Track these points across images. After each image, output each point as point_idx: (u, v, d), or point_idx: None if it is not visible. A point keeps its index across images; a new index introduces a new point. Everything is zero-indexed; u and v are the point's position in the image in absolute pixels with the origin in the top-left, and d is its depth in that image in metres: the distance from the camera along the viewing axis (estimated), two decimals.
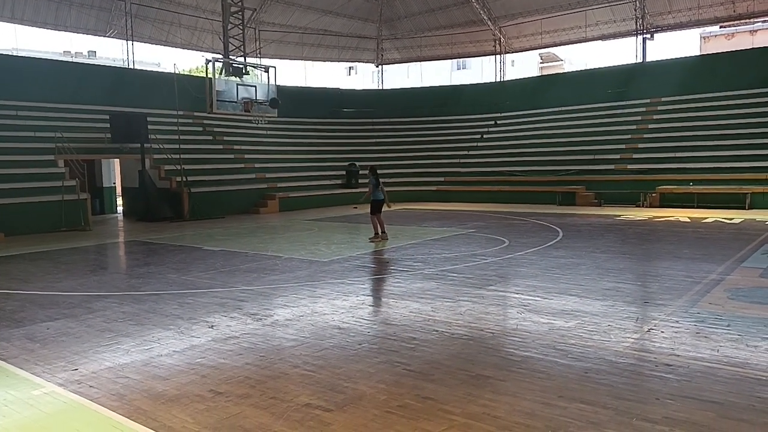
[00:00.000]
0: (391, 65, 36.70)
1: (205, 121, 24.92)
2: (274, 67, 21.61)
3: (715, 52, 29.48)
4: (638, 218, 16.93)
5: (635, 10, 26.87)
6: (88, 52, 58.16)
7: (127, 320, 6.76)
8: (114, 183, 24.48)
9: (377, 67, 35.52)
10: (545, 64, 54.34)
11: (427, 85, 37.33)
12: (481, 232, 14.41)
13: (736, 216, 16.67)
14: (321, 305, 7.34)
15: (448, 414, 4.08)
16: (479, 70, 47.97)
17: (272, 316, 6.84)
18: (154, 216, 19.17)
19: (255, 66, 21.73)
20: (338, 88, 33.67)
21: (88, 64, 28.38)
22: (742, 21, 31.57)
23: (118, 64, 29.26)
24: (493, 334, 5.98)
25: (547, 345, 5.54)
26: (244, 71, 20.67)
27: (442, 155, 27.96)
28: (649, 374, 4.76)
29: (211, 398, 4.44)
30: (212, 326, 6.43)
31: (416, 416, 4.05)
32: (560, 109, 27.44)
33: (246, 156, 24.49)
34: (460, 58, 39.02)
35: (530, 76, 41.18)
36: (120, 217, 21.97)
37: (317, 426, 3.93)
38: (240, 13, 22.28)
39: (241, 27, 22.37)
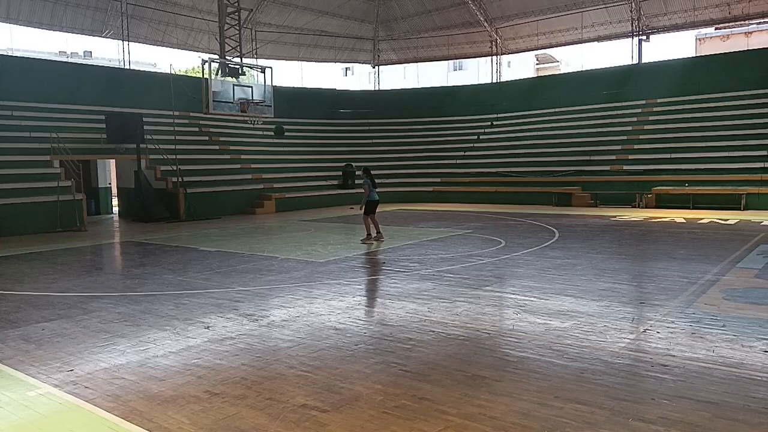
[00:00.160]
0: (387, 66, 36.68)
1: (202, 122, 24.88)
2: (271, 68, 21.62)
3: (710, 53, 29.62)
4: (634, 219, 16.98)
5: (631, 11, 26.94)
6: (84, 52, 58.05)
7: (122, 321, 6.74)
8: (109, 183, 24.40)
9: (374, 67, 35.51)
10: (541, 66, 54.47)
11: (424, 86, 37.39)
12: (477, 233, 14.43)
13: (732, 217, 16.73)
14: (317, 306, 7.34)
15: (444, 414, 4.08)
16: (475, 71, 48.05)
17: (268, 317, 6.83)
18: (150, 217, 19.13)
19: (251, 66, 21.73)
20: (334, 89, 33.70)
21: (84, 64, 28.31)
22: (737, 23, 31.72)
23: (114, 64, 29.18)
24: (490, 335, 5.98)
25: (543, 345, 5.55)
26: (240, 72, 20.67)
27: (439, 156, 27.99)
28: (645, 374, 4.77)
29: (207, 399, 4.43)
30: (208, 327, 6.42)
31: (413, 417, 4.05)
32: (556, 110, 27.50)
33: (242, 157, 24.45)
34: (456, 59, 39.06)
35: (526, 77, 41.24)
36: (115, 217, 21.90)
37: (313, 427, 3.92)
38: (236, 13, 22.27)
39: (237, 27, 22.36)
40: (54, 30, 25.53)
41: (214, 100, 19.61)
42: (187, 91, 22.20)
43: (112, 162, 23.58)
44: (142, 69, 28.73)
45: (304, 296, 7.88)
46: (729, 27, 39.19)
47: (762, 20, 30.30)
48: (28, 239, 14.87)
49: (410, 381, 4.72)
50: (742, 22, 32.51)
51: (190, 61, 66.38)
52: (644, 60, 27.34)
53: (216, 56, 21.56)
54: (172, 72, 22.96)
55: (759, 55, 24.44)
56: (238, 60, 21.74)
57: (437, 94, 32.20)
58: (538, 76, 45.99)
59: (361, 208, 13.20)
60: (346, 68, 60.06)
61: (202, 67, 19.93)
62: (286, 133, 27.79)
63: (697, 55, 39.99)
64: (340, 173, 25.60)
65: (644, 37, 27.35)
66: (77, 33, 26.23)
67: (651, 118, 24.59)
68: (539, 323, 6.31)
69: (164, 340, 5.97)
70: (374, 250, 12.13)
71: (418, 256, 11.12)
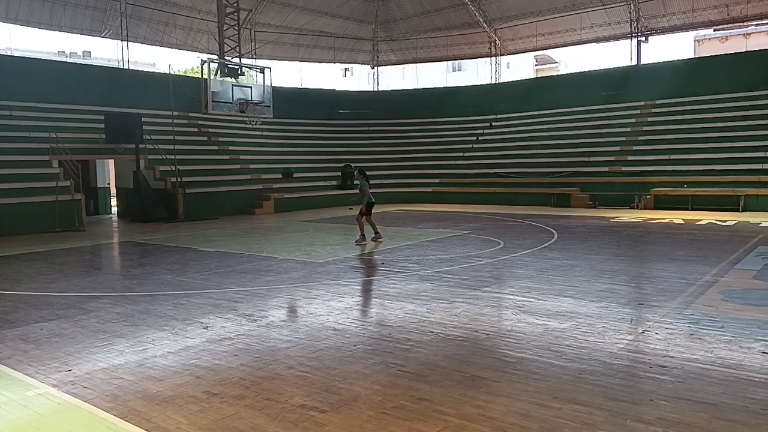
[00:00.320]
0: (386, 67, 36.69)
1: (201, 122, 24.87)
2: (270, 68, 21.63)
3: (709, 55, 29.67)
4: (632, 220, 16.99)
5: (630, 12, 26.97)
6: (83, 52, 58.02)
7: (121, 321, 6.74)
8: (108, 183, 24.38)
9: (373, 68, 35.52)
10: (540, 67, 54.50)
11: (423, 87, 37.38)
12: (476, 234, 14.43)
13: (730, 218, 16.74)
14: (316, 306, 7.34)
15: (443, 415, 4.08)
16: (474, 72, 48.06)
17: (267, 318, 6.83)
18: (149, 217, 19.12)
19: (250, 67, 21.74)
20: (334, 90, 33.69)
21: (83, 64, 28.30)
22: (735, 24, 31.73)
23: (113, 64, 29.18)
24: (488, 336, 5.99)
25: (541, 346, 5.55)
26: (239, 72, 20.67)
27: (438, 157, 28.00)
28: (644, 375, 4.77)
29: (205, 399, 4.43)
30: (207, 327, 6.42)
31: (411, 417, 4.05)
32: (555, 111, 27.52)
33: (241, 157, 24.45)
34: (455, 60, 39.09)
35: (525, 78, 41.26)
36: (114, 217, 21.88)
37: (312, 427, 3.92)
38: (235, 13, 22.27)
39: (236, 28, 22.37)
40: (53, 30, 25.52)
41: (213, 101, 19.62)
42: (186, 92, 22.20)
43: (111, 162, 23.56)
44: (141, 69, 28.72)
45: (302, 296, 7.88)
46: (727, 28, 39.22)
47: (760, 22, 30.32)
48: (27, 239, 14.85)
49: (409, 381, 4.72)
50: (741, 24, 32.53)
51: (189, 62, 66.42)
52: (643, 61, 27.38)
53: (215, 56, 21.55)
54: (171, 72, 22.99)
55: (757, 56, 24.47)
56: (237, 60, 21.74)
57: (436, 95, 32.21)
58: (537, 77, 46.05)
59: (362, 211, 13.07)
60: (345, 69, 60.06)
61: (201, 68, 19.93)
62: (287, 135, 27.84)
63: (696, 56, 40.03)
64: (339, 174, 25.60)
65: (643, 39, 27.39)
66: (76, 33, 26.21)
67: (650, 119, 24.62)
68: (538, 324, 6.31)
69: (163, 340, 5.97)
70: (372, 250, 12.13)
71: (416, 256, 11.12)
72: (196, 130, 24.70)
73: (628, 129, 24.59)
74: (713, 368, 4.87)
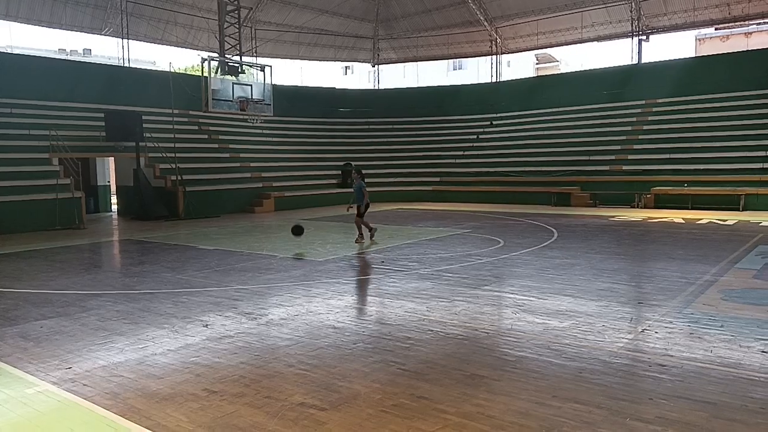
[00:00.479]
0: (387, 65, 36.67)
1: (201, 120, 24.87)
2: (270, 66, 21.63)
3: (710, 54, 29.62)
4: (633, 219, 16.99)
5: (631, 11, 26.95)
6: (84, 50, 58.00)
7: (121, 319, 6.74)
8: (108, 181, 24.38)
9: (373, 66, 35.50)
10: (541, 65, 54.47)
11: (423, 86, 37.40)
12: (476, 233, 14.43)
13: (730, 217, 16.74)
14: (316, 304, 7.34)
15: (442, 413, 4.08)
16: (475, 71, 48.01)
17: (267, 316, 6.83)
18: (149, 215, 19.12)
19: (251, 65, 21.73)
20: (334, 88, 33.65)
21: (84, 62, 28.22)
22: (737, 23, 31.71)
23: (114, 62, 29.15)
24: (488, 334, 5.99)
25: (541, 345, 5.55)
26: (239, 70, 20.66)
27: (438, 155, 27.99)
28: (643, 374, 4.78)
29: (205, 397, 4.43)
30: (207, 325, 6.42)
31: (411, 415, 4.06)
32: (556, 109, 27.51)
33: (241, 155, 24.45)
34: (456, 58, 39.04)
35: (526, 76, 41.27)
36: (114, 215, 21.89)
37: (312, 425, 3.93)
38: (236, 11, 22.26)
39: (237, 26, 22.35)
40: (53, 27, 25.53)
41: (213, 99, 19.62)
42: (186, 90, 22.20)
43: (112, 160, 23.55)
44: (141, 67, 28.71)
45: (302, 295, 7.88)
46: (729, 27, 39.20)
47: (762, 21, 30.29)
48: (27, 237, 14.86)
49: (409, 380, 4.72)
50: (742, 23, 32.52)
51: (189, 60, 66.45)
52: (644, 60, 27.36)
53: (215, 54, 21.54)
54: (172, 70, 22.97)
55: (759, 55, 24.45)
56: (237, 58, 21.73)
57: (437, 94, 32.19)
58: (537, 76, 46.00)
59: (362, 213, 12.93)
60: (346, 67, 60.04)
61: (202, 66, 19.93)
62: (287, 133, 27.83)
63: (697, 55, 40.01)
64: (340, 172, 25.61)
65: (644, 37, 27.37)
66: (77, 30, 26.20)
67: (650, 118, 24.60)
68: (538, 323, 6.31)
69: (163, 338, 5.97)
70: (372, 249, 12.12)
71: (417, 255, 11.12)
72: (196, 128, 24.70)
73: (629, 128, 24.58)
74: (713, 367, 4.88)
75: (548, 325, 6.23)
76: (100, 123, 19.79)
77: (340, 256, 11.25)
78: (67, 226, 16.59)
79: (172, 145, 20.62)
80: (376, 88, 34.87)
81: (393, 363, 5.12)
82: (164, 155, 20.68)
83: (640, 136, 23.77)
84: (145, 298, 7.80)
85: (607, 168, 22.70)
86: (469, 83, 34.74)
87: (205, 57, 19.98)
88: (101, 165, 23.79)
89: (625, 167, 22.36)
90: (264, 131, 26.34)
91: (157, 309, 7.18)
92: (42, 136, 18.55)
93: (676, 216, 17.35)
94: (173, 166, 20.11)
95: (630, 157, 22.83)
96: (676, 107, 24.32)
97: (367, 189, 13.08)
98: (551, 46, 31.94)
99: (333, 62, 36.39)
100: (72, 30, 26.10)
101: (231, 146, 24.77)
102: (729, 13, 25.55)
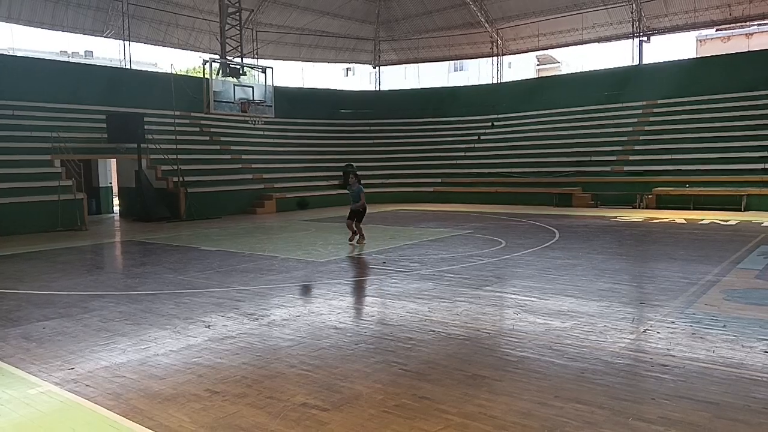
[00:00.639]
0: (388, 66, 36.71)
1: (202, 122, 24.90)
2: (271, 68, 21.64)
3: (710, 54, 29.61)
4: (634, 220, 16.97)
5: (632, 12, 26.96)
6: (85, 52, 58.12)
7: (123, 320, 6.75)
8: (110, 183, 24.42)
9: (374, 68, 35.54)
10: (542, 66, 54.49)
11: (424, 87, 37.41)
12: (478, 233, 14.43)
13: (732, 218, 16.73)
14: (317, 305, 7.34)
15: (444, 414, 4.08)
16: (476, 72, 48.02)
17: (269, 316, 6.83)
18: (151, 216, 19.14)
19: (252, 67, 21.74)
20: (335, 89, 33.73)
21: (85, 64, 28.35)
22: (737, 24, 31.71)
23: (115, 64, 29.20)
24: (490, 335, 5.99)
25: (543, 345, 5.55)
26: (241, 72, 20.68)
27: (439, 156, 28.00)
28: (645, 374, 4.77)
29: (207, 397, 4.44)
30: (209, 326, 6.43)
31: (413, 416, 4.06)
32: (557, 110, 27.51)
33: (243, 156, 24.47)
34: (457, 59, 39.09)
35: (527, 78, 41.25)
36: (116, 217, 21.92)
37: (314, 425, 3.93)
38: (237, 13, 22.29)
39: (238, 28, 22.38)
40: (55, 30, 25.58)
41: (215, 100, 19.63)
42: (188, 91, 22.22)
43: (113, 161, 23.61)
44: (143, 69, 28.75)
45: (304, 295, 7.88)
46: (730, 28, 39.20)
47: (763, 21, 30.29)
48: (29, 238, 14.88)
49: (410, 380, 4.72)
50: (743, 24, 32.49)
51: (191, 61, 66.47)
52: (645, 61, 27.37)
53: (217, 56, 21.58)
54: (173, 72, 22.98)
55: (759, 56, 24.45)
56: (239, 60, 21.76)
57: (438, 95, 32.21)
58: (538, 77, 46.03)
59: (354, 216, 12.63)
60: (347, 69, 60.08)
61: (203, 67, 19.94)
62: (288, 134, 27.83)
63: (698, 56, 39.99)
64: (341, 173, 25.58)
65: (645, 38, 27.39)
66: (78, 33, 26.28)
67: (651, 119, 24.60)
68: (539, 323, 6.31)
69: (165, 338, 5.98)
70: (374, 249, 12.12)
71: (418, 256, 11.12)
72: (197, 129, 24.73)
73: (630, 129, 24.58)
74: (715, 367, 4.87)
75: (550, 325, 6.22)
76: (102, 125, 19.82)
77: (342, 256, 11.26)
78: (69, 227, 16.61)
79: (173, 146, 20.63)
80: (377, 89, 34.91)
81: (395, 363, 5.12)
82: (166, 157, 20.70)
83: (642, 137, 23.76)
84: (147, 299, 7.81)
85: (608, 169, 22.70)
86: (470, 84, 34.83)
87: (207, 59, 20.01)
88: (103, 166, 23.83)
89: (626, 168, 22.36)
90: (265, 133, 26.37)
91: (159, 310, 7.19)
92: (44, 138, 18.59)
93: (678, 216, 17.33)
94: (175, 167, 20.13)
95: (631, 157, 22.82)
96: (677, 108, 24.31)
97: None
98: (552, 47, 31.96)
99: (334, 64, 36.46)
100: (73, 32, 26.17)
101: (232, 148, 24.80)
102: (730, 14, 25.55)
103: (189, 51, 29.34)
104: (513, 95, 30.00)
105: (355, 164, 25.38)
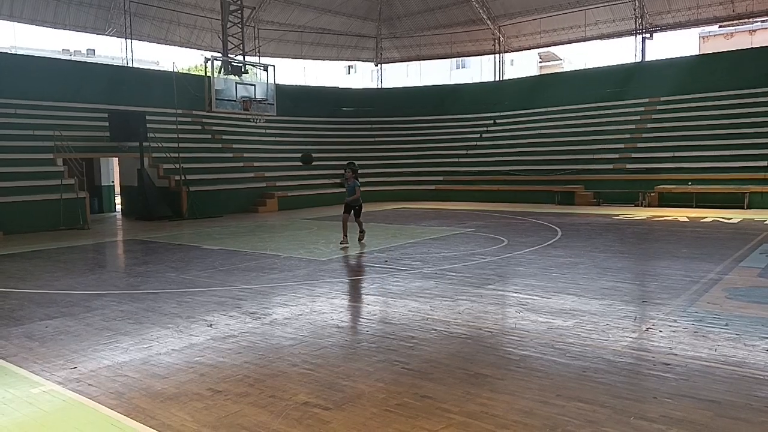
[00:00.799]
0: (390, 64, 36.69)
1: (204, 120, 24.91)
2: (273, 66, 21.64)
3: (714, 51, 29.49)
4: (637, 218, 16.95)
5: (634, 9, 26.89)
6: (87, 50, 58.17)
7: (125, 319, 6.76)
8: (113, 182, 24.47)
9: (376, 66, 35.51)
10: (544, 64, 54.36)
11: (426, 84, 37.34)
12: (479, 232, 14.42)
13: (735, 215, 16.70)
14: (320, 304, 7.35)
15: (446, 412, 4.08)
16: (478, 70, 47.99)
17: (271, 315, 6.84)
18: (153, 215, 19.17)
19: (254, 65, 21.75)
20: (337, 87, 33.68)
21: (87, 62, 28.31)
22: (741, 21, 31.57)
23: (117, 62, 29.24)
24: (492, 333, 5.99)
25: (545, 344, 5.55)
26: (243, 70, 20.69)
27: (441, 154, 27.97)
28: (647, 373, 4.77)
29: (209, 396, 4.45)
30: (211, 325, 6.44)
31: (415, 415, 4.06)
32: (559, 108, 27.46)
33: (245, 155, 24.49)
34: (459, 57, 38.98)
35: (529, 75, 41.17)
36: (119, 215, 21.96)
37: (316, 424, 3.93)
38: (239, 11, 22.29)
39: (240, 25, 22.38)
40: (57, 28, 25.60)
41: (216, 98, 19.65)
42: (189, 89, 22.23)
43: (115, 160, 23.64)
44: (145, 67, 28.80)
45: (306, 294, 7.89)
46: (733, 25, 39.06)
47: (766, 18, 30.20)
48: (32, 237, 14.91)
49: (412, 379, 4.73)
50: (746, 20, 32.36)
51: (192, 59, 66.47)
52: (647, 58, 27.29)
53: (219, 54, 21.58)
54: (175, 70, 22.99)
55: (763, 53, 24.37)
56: (240, 58, 21.75)
57: (440, 92, 32.17)
58: (540, 74, 45.90)
59: (350, 211, 12.40)
60: (349, 66, 60.00)
61: (205, 65, 19.96)
62: (290, 132, 27.82)
63: (701, 53, 39.86)
64: (343, 171, 25.57)
65: (648, 35, 27.30)
66: (80, 31, 26.27)
67: (654, 116, 24.54)
68: (541, 322, 6.31)
69: (167, 337, 5.99)
70: (375, 248, 12.12)
71: (420, 254, 11.12)
72: (199, 128, 24.74)
73: (633, 126, 24.52)
74: (717, 366, 4.87)
75: (552, 324, 6.22)
76: (104, 123, 19.84)
77: (344, 255, 11.26)
78: (71, 226, 16.64)
79: (175, 145, 20.66)
80: (379, 87, 34.87)
81: (397, 362, 5.12)
82: (168, 155, 20.72)
83: (644, 135, 23.70)
84: (149, 298, 7.82)
85: (610, 167, 22.66)
86: (472, 82, 34.74)
87: (209, 57, 20.02)
88: (105, 165, 23.86)
89: (628, 166, 22.31)
90: (267, 131, 26.38)
91: (161, 309, 7.20)
92: (46, 137, 18.60)
93: (680, 214, 17.31)
94: (177, 166, 20.15)
95: (634, 155, 22.77)
96: (680, 105, 24.25)
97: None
98: (554, 44, 31.88)
99: (336, 61, 36.39)
100: (75, 30, 26.17)
101: (234, 146, 24.81)
102: (733, 11, 25.45)
103: (191, 49, 29.37)
104: (515, 93, 29.95)
105: (357, 162, 25.42)
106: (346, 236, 12.33)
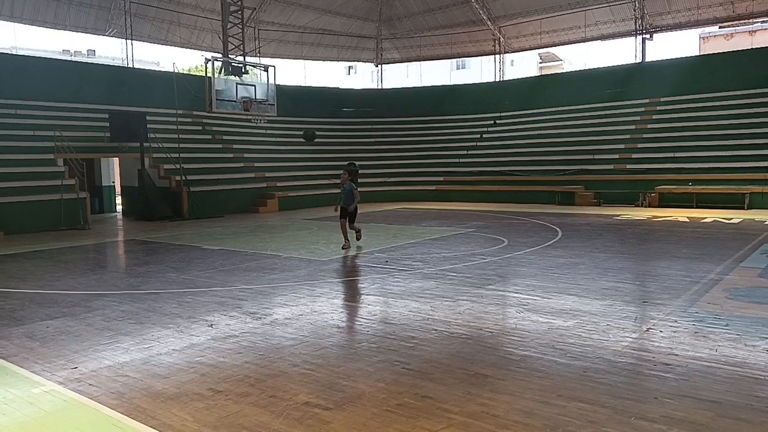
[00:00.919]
0: (390, 65, 36.70)
1: (205, 120, 24.92)
2: (274, 67, 21.63)
3: (714, 52, 29.50)
4: (637, 218, 16.95)
5: (634, 10, 26.89)
6: (88, 50, 58.16)
7: (126, 319, 6.76)
8: (113, 182, 24.48)
9: (377, 66, 35.51)
10: (544, 64, 54.39)
11: (427, 85, 37.37)
12: (480, 232, 14.42)
13: (735, 216, 16.69)
14: (320, 304, 7.35)
15: (447, 413, 4.08)
16: (478, 70, 47.99)
17: (271, 315, 6.84)
18: (154, 215, 19.17)
19: (254, 65, 21.75)
20: (338, 88, 33.68)
21: (88, 63, 28.33)
22: (741, 21, 31.61)
23: (118, 63, 29.23)
24: (492, 334, 5.99)
25: (545, 344, 5.55)
26: (243, 70, 20.69)
27: (442, 155, 27.97)
28: (648, 373, 4.77)
29: (210, 396, 4.45)
30: (211, 325, 6.44)
31: (415, 415, 4.06)
32: (559, 108, 27.46)
33: (245, 155, 24.50)
34: (459, 57, 39.05)
35: (529, 75, 41.18)
36: (119, 216, 21.96)
37: (316, 424, 3.94)
38: (239, 12, 22.30)
39: (240, 26, 22.38)
40: (58, 29, 25.61)
41: (217, 99, 19.64)
42: (190, 90, 22.23)
43: (116, 160, 23.65)
44: (145, 68, 28.80)
45: (307, 294, 7.89)
46: (733, 25, 39.07)
47: (766, 19, 30.21)
48: (33, 237, 14.92)
49: (413, 379, 4.73)
50: (746, 21, 32.39)
51: (193, 60, 66.48)
52: (648, 58, 27.28)
53: (219, 55, 21.58)
54: (176, 70, 23.00)
55: (763, 53, 24.37)
56: (241, 59, 21.76)
57: (440, 93, 32.17)
58: (541, 75, 45.93)
59: (348, 216, 12.18)
60: (349, 67, 60.02)
61: (206, 66, 19.95)
62: (291, 133, 27.82)
63: (701, 53, 39.87)
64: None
65: (648, 36, 27.29)
66: (81, 32, 26.29)
67: (654, 116, 24.54)
68: (542, 322, 6.31)
69: (168, 338, 5.99)
70: (375, 249, 12.12)
71: (420, 254, 11.13)
72: (200, 128, 24.75)
73: (633, 127, 24.52)
74: (718, 366, 4.87)
75: (553, 324, 6.22)
76: (105, 124, 19.84)
77: (344, 255, 11.26)
78: (72, 226, 16.64)
79: (176, 145, 20.67)
80: (380, 87, 34.87)
81: (397, 362, 5.12)
82: (168, 156, 20.73)
83: (644, 135, 23.70)
84: (150, 298, 7.82)
85: (611, 167, 22.66)
86: (472, 82, 34.73)
87: (209, 57, 20.02)
88: (106, 165, 23.87)
89: (629, 166, 22.31)
90: (267, 131, 26.39)
91: (162, 309, 7.20)
92: (47, 137, 18.62)
93: (681, 215, 17.31)
94: (177, 166, 20.16)
95: (634, 155, 22.77)
96: (680, 106, 24.25)
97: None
98: (554, 45, 31.89)
99: (336, 62, 36.39)
100: (76, 31, 26.19)
101: (235, 146, 24.82)
102: (733, 11, 25.45)
103: (191, 50, 29.39)
104: (515, 93, 29.96)
105: (357, 162, 25.42)
106: (348, 239, 12.25)
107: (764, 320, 6.17)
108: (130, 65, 25.85)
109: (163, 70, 31.84)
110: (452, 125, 30.12)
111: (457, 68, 53.09)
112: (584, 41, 30.20)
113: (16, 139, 18.34)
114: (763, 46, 28.57)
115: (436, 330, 6.11)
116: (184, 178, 19.92)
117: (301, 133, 11.51)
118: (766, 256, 10.09)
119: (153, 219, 19.00)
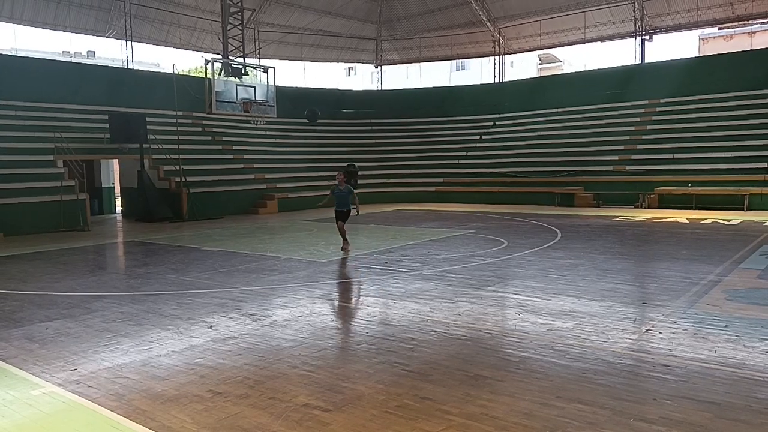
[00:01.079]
0: (390, 66, 36.73)
1: (204, 122, 24.92)
2: (273, 68, 21.66)
3: (713, 53, 29.54)
4: (636, 219, 16.96)
5: (634, 11, 26.92)
6: (87, 52, 58.15)
7: (125, 320, 6.76)
8: (113, 183, 24.48)
9: (376, 67, 35.54)
10: (544, 65, 54.42)
11: (426, 86, 37.38)
12: (479, 233, 14.43)
13: (734, 217, 16.70)
14: (320, 306, 7.35)
15: (446, 414, 4.09)
16: (478, 71, 47.99)
17: (271, 317, 6.84)
18: (153, 216, 19.17)
19: (254, 66, 21.77)
20: (337, 89, 33.72)
21: (87, 64, 28.40)
22: (740, 23, 31.65)
23: (117, 64, 29.26)
24: (492, 335, 5.99)
25: (545, 345, 5.55)
26: (243, 72, 20.71)
27: (441, 156, 27.99)
28: (647, 375, 4.77)
29: (209, 398, 4.45)
30: (211, 326, 6.44)
31: (415, 416, 4.06)
32: (559, 110, 27.48)
33: (245, 156, 24.49)
34: (459, 59, 39.08)
35: (529, 77, 41.22)
36: (119, 217, 21.96)
37: (316, 426, 3.94)
38: (239, 13, 22.32)
39: (240, 27, 22.41)
40: (57, 30, 25.62)
41: (217, 100, 19.66)
42: (190, 91, 22.25)
43: (116, 162, 23.65)
44: (145, 69, 28.81)
45: (306, 296, 7.89)
46: (732, 27, 39.10)
47: (765, 20, 30.23)
48: (32, 239, 14.91)
49: (412, 381, 4.73)
50: (746, 22, 32.45)
51: (193, 61, 66.54)
52: (647, 60, 27.31)
53: (219, 56, 21.61)
54: (175, 72, 23.01)
55: (762, 55, 24.39)
56: (240, 60, 21.78)
57: (440, 94, 32.19)
58: (540, 76, 45.97)
59: (345, 218, 11.94)
60: (349, 68, 60.05)
61: (205, 67, 19.98)
62: (290, 134, 27.83)
63: (700, 55, 39.91)
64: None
65: (647, 37, 27.33)
66: (81, 33, 26.33)
67: (654, 118, 24.56)
68: (541, 323, 6.31)
69: (167, 339, 5.99)
70: (375, 250, 12.12)
71: (420, 256, 11.13)
72: (200, 129, 24.76)
73: (632, 128, 24.53)
74: (717, 367, 4.87)
75: (552, 325, 6.22)
76: (105, 125, 19.85)
77: (344, 257, 11.26)
78: (71, 227, 16.64)
79: (175, 146, 20.67)
80: (379, 89, 34.89)
81: (397, 364, 5.13)
82: (168, 157, 20.73)
83: (644, 136, 23.72)
84: (149, 300, 7.82)
85: (610, 168, 22.67)
86: (472, 84, 34.76)
87: (209, 59, 20.05)
88: (105, 167, 23.88)
89: (628, 167, 22.32)
90: (267, 133, 26.39)
91: (161, 310, 7.20)
92: (46, 138, 18.62)
93: (680, 216, 17.31)
94: (177, 167, 20.16)
95: (633, 157, 22.78)
96: (679, 107, 24.27)
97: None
98: (554, 46, 31.92)
99: (336, 63, 36.43)
100: (76, 32, 26.21)
101: (234, 148, 24.82)
102: (732, 13, 25.49)
103: (191, 51, 29.43)
104: (515, 94, 29.97)
105: (357, 164, 25.46)
106: (347, 241, 12.12)
107: (763, 321, 6.18)
108: (130, 66, 25.87)
109: (163, 71, 31.84)
110: (452, 126, 30.14)
111: (457, 69, 53.11)
112: (584, 42, 30.25)
113: (16, 141, 18.34)
114: (763, 47, 28.59)
115: (435, 331, 6.11)
116: (183, 179, 19.92)
117: (304, 113, 11.15)
118: (765, 258, 10.10)
119: (153, 220, 19.00)
